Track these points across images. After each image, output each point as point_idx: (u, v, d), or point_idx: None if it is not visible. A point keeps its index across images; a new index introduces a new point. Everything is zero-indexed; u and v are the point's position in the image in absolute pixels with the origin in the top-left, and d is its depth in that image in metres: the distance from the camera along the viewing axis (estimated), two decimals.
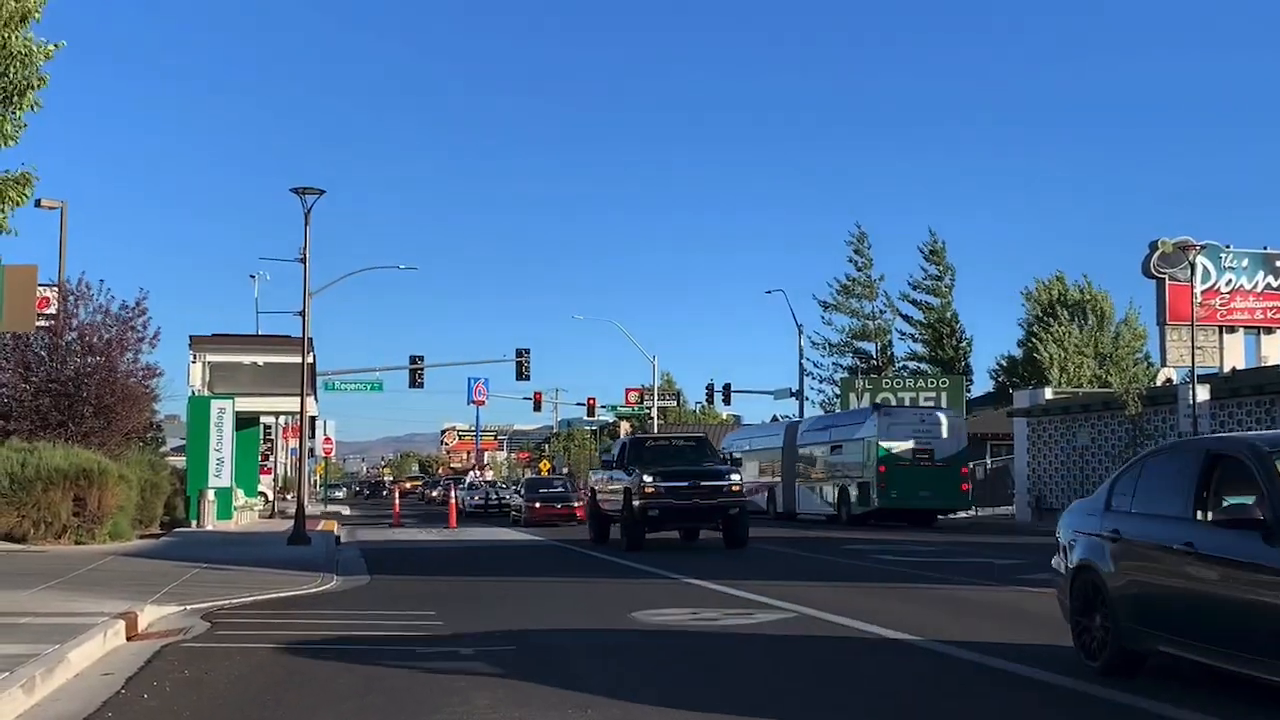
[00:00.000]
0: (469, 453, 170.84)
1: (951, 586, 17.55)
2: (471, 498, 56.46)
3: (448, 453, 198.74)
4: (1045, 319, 62.83)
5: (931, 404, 54.44)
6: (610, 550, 26.34)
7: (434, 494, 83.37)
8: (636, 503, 24.45)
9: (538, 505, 42.39)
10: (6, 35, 14.02)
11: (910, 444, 39.85)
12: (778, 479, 47.11)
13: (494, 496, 56.12)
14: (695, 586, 17.64)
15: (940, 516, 41.15)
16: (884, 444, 39.65)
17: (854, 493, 40.58)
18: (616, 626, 13.00)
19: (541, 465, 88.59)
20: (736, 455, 47.53)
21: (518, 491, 46.61)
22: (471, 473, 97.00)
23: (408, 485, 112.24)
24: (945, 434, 40.53)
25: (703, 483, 24.56)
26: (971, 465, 43.48)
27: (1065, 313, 62.82)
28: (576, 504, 40.33)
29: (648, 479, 24.51)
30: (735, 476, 25.54)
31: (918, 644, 11.37)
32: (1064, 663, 9.93)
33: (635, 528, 24.29)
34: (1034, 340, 62.38)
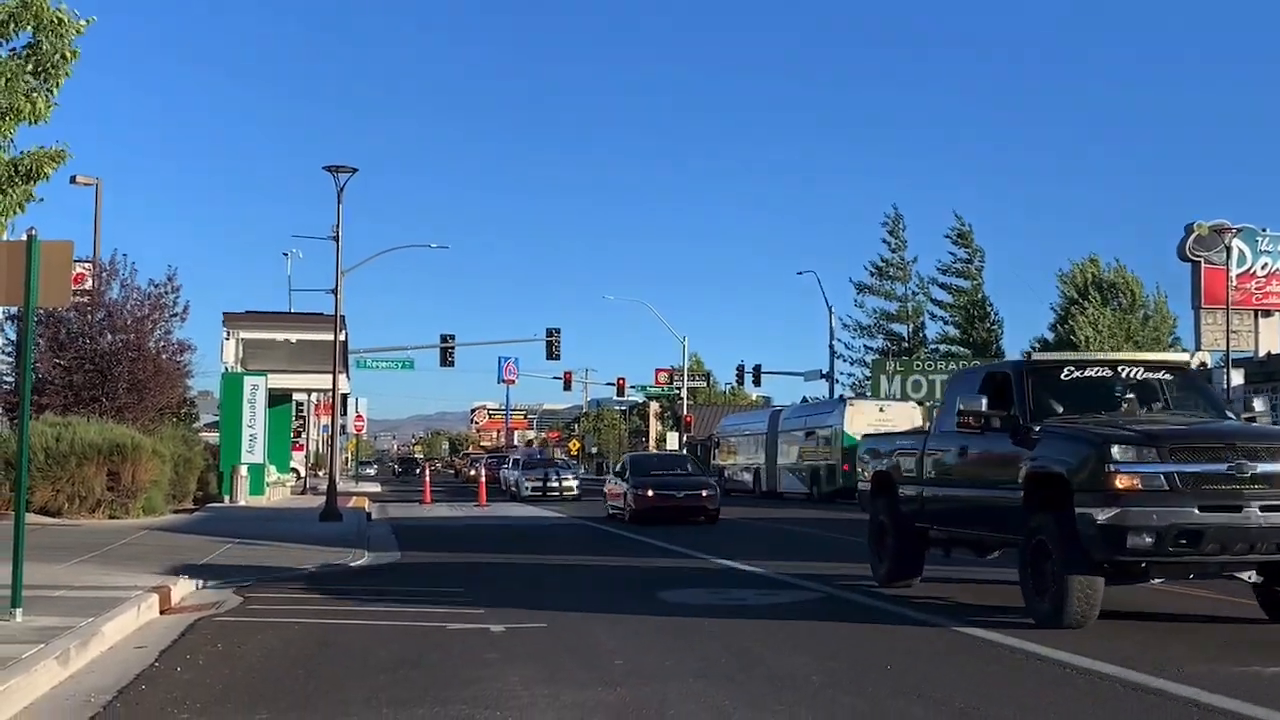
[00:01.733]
0: (499, 431, 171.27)
1: (988, 569, 17.44)
2: (526, 479, 45.80)
3: (477, 431, 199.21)
4: (1080, 301, 62.50)
5: None
6: (636, 529, 26.45)
7: (472, 472, 73.42)
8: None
9: (650, 494, 29.61)
10: (39, 1, 13.99)
11: (871, 432, 44.00)
12: (762, 460, 52.01)
13: (554, 478, 45.89)
14: (724, 567, 17.62)
15: None
16: (848, 431, 43.97)
17: (824, 474, 45.66)
18: (646, 606, 12.99)
19: (571, 445, 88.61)
20: (730, 437, 56.73)
21: (618, 473, 33.00)
22: (521, 447, 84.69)
23: (460, 461, 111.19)
24: (903, 424, 44.59)
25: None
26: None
27: (1099, 295, 62.48)
28: (706, 494, 29.59)
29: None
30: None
31: (956, 629, 11.30)
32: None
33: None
34: (1070, 322, 62.02)
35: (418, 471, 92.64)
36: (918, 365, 59.51)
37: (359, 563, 18.16)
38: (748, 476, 52.92)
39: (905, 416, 46.26)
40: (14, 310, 26.66)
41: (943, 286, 72.03)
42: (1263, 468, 9.99)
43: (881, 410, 46.85)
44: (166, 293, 33.16)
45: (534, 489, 44.96)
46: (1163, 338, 62.20)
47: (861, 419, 45.11)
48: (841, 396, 53.10)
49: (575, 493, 44.66)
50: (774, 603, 13.12)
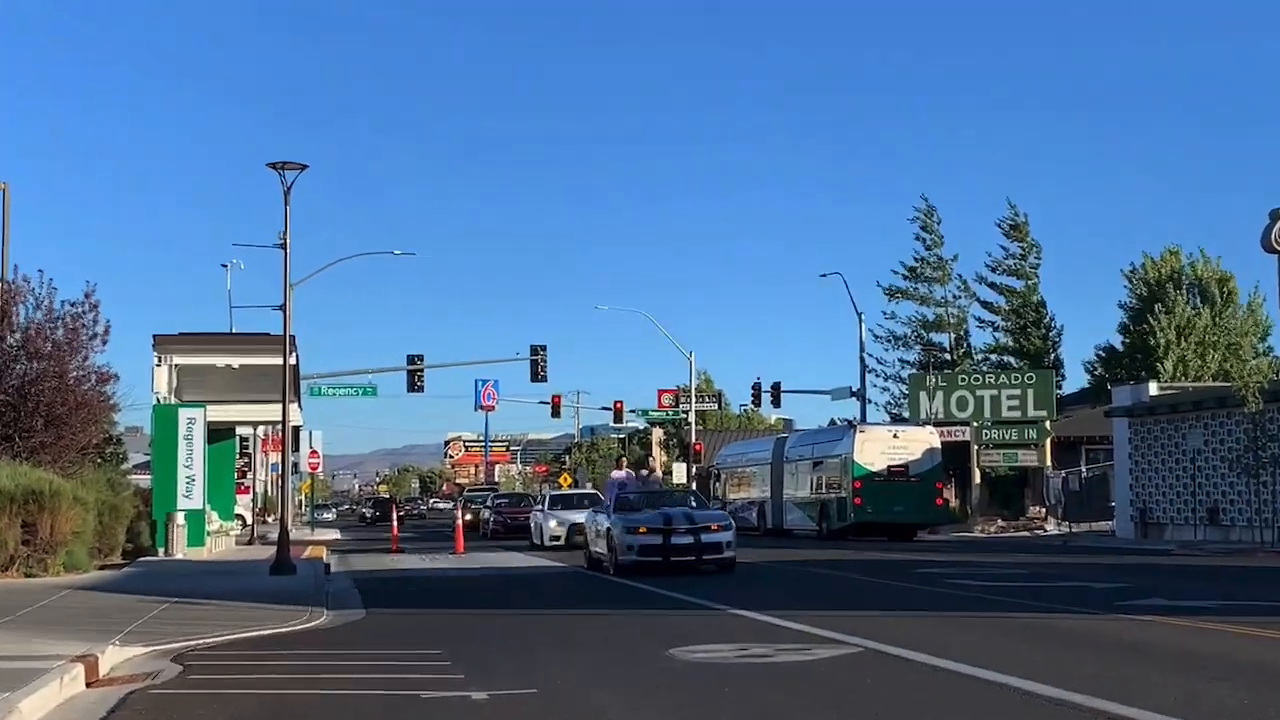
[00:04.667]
0: (477, 466, 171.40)
1: (1039, 614, 17.45)
2: (628, 531, 27.14)
3: (452, 466, 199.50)
4: (1154, 301, 61.90)
5: (1016, 402, 54.80)
6: (638, 577, 26.31)
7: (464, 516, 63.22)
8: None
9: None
10: None
11: (886, 461, 46.18)
12: (767, 494, 53.35)
13: (685, 528, 26.97)
14: (739, 618, 17.62)
15: (920, 530, 47.15)
16: (859, 461, 45.77)
17: (834, 508, 46.43)
18: (653, 666, 12.97)
19: (562, 479, 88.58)
20: (731, 469, 58.43)
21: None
22: (627, 475, 68.72)
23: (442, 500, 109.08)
24: (920, 451, 46.45)
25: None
26: (950, 478, 50.22)
27: (1179, 294, 62.01)
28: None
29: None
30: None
31: (1010, 685, 11.29)
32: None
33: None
34: (1144, 325, 61.46)
35: (400, 515, 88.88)
36: (963, 379, 59.35)
37: (317, 623, 18.09)
38: (751, 512, 53.96)
39: (922, 442, 47.02)
40: None
41: (991, 286, 71.54)
42: None
43: (895, 436, 47.71)
44: (84, 312, 33.12)
45: (646, 549, 26.86)
46: (1256, 343, 61.77)
47: (873, 446, 46.35)
48: (850, 421, 54.61)
49: (727, 555, 27.39)
50: (801, 660, 13.10)
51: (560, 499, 45.63)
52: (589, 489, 64.78)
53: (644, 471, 37.02)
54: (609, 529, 27.72)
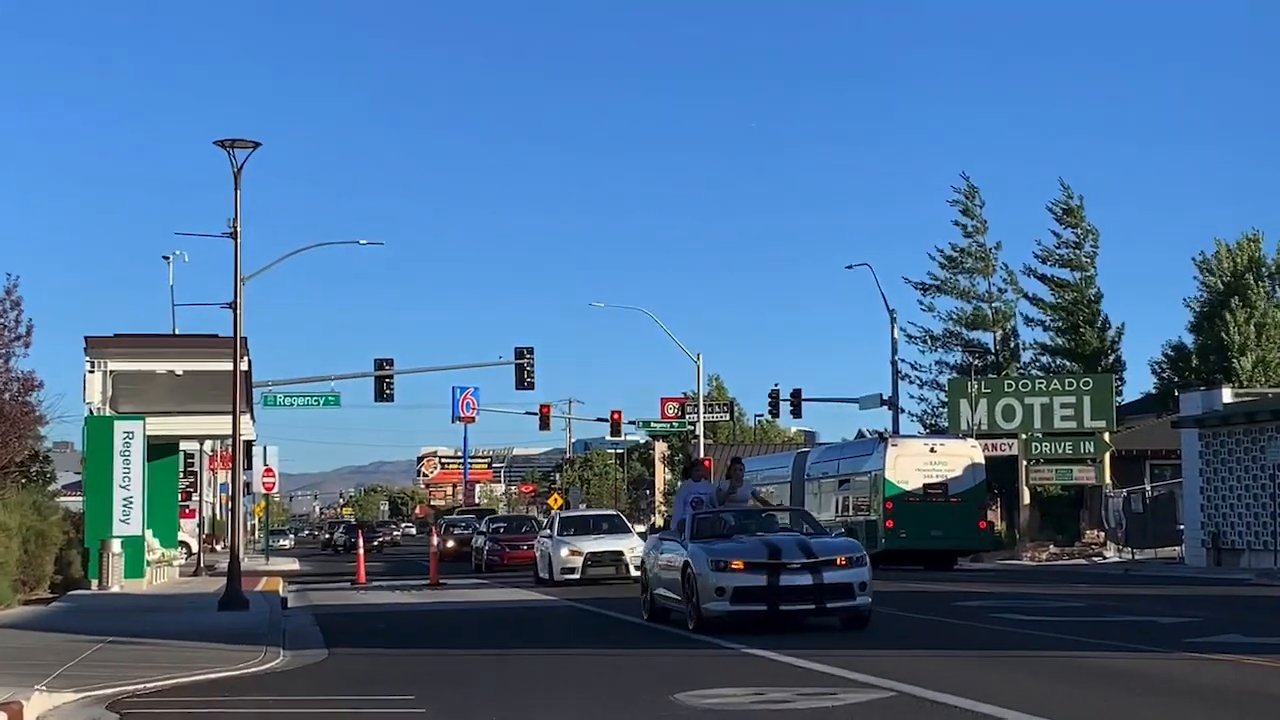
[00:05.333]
0: (454, 485, 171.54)
1: (1098, 654, 17.45)
2: (715, 568, 20.83)
3: (426, 486, 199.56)
4: (1231, 295, 61.79)
5: (1070, 411, 54.78)
6: (634, 611, 26.26)
7: (450, 544, 61.34)
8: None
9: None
10: None
11: (921, 479, 46.23)
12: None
13: (800, 561, 21.04)
14: (753, 657, 17.60)
15: (960, 557, 47.32)
16: (891, 478, 45.75)
17: (862, 532, 45.00)
18: (658, 715, 12.98)
19: (552, 500, 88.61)
20: None
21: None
22: (704, 485, 39.80)
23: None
24: (960, 467, 46.30)
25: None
26: (995, 499, 49.33)
27: (1260, 286, 61.88)
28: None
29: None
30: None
31: None
32: None
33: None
34: (1217, 323, 61.26)
35: (377, 543, 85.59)
36: (1009, 385, 59.31)
37: (273, 664, 18.08)
38: None
39: (963, 457, 47.06)
40: None
41: (1041, 279, 71.37)
42: None
43: (933, 450, 47.63)
44: (4, 310, 33.11)
45: (744, 594, 20.65)
46: None
47: (908, 462, 46.34)
48: (881, 434, 54.67)
49: (860, 602, 21.07)
50: (825, 707, 13.10)
51: (573, 522, 41.64)
52: (604, 509, 63.17)
53: (729, 482, 24.77)
54: (686, 564, 21.31)
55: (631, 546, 37.18)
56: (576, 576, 37.09)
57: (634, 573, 33.97)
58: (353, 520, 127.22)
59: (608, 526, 41.03)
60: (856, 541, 24.06)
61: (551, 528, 40.86)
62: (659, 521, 78.07)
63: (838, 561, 20.71)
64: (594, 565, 37.43)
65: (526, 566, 43.70)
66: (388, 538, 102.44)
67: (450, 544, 60.08)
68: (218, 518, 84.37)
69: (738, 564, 20.63)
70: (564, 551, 37.88)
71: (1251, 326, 59.90)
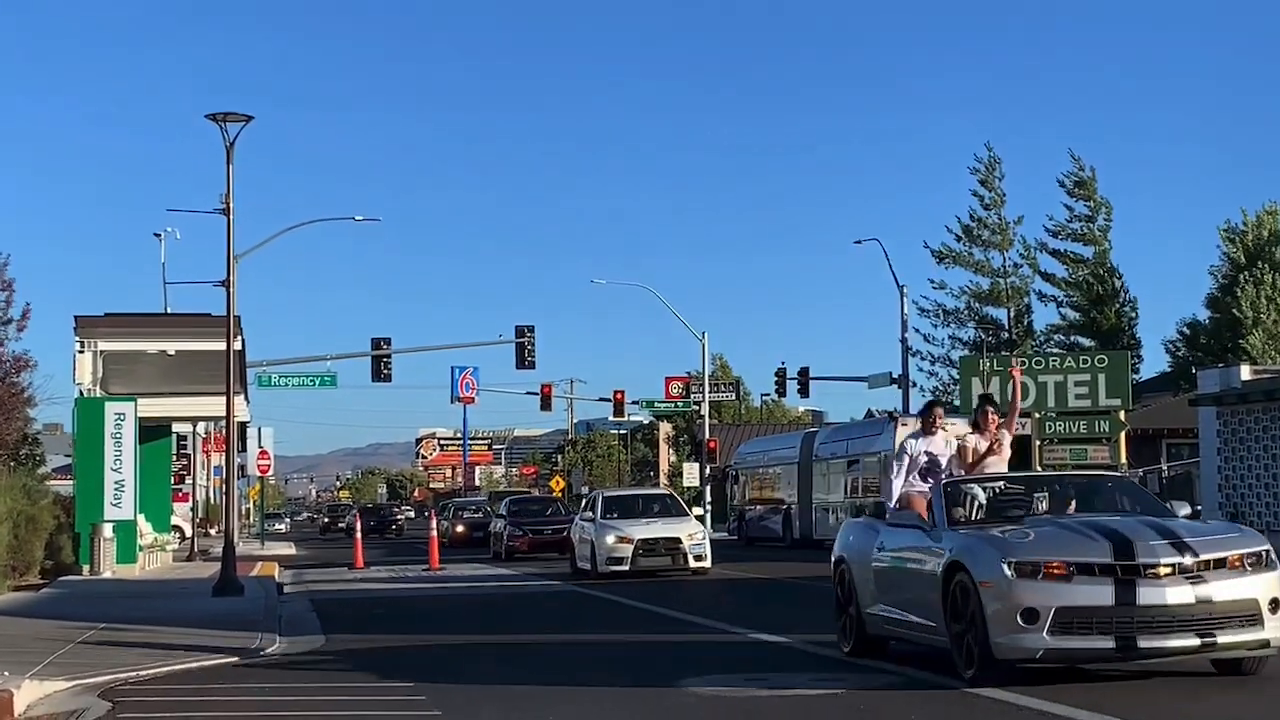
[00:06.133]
0: (454, 468, 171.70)
1: None
2: (1041, 588, 12.82)
3: (425, 469, 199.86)
4: (1250, 268, 61.59)
5: (1085, 390, 54.66)
6: (641, 596, 26.35)
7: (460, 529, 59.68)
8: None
9: None
10: None
11: None
12: (794, 499, 53.05)
13: None
14: (760, 643, 17.66)
15: None
16: None
17: (870, 515, 44.33)
18: (665, 702, 12.97)
19: (553, 483, 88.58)
20: (750, 470, 58.79)
21: None
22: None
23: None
24: None
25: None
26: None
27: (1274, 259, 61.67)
28: None
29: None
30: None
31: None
32: None
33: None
34: (1231, 297, 61.18)
35: (394, 528, 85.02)
36: (1022, 363, 59.31)
37: (269, 651, 18.09)
38: (774, 520, 54.32)
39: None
40: None
41: (1054, 254, 71.20)
42: None
43: (944, 430, 47.08)
44: None
45: (1072, 620, 12.64)
46: None
47: (921, 441, 45.77)
48: (891, 413, 54.32)
49: (1269, 633, 13.04)
50: (835, 692, 13.06)
51: (619, 503, 36.70)
52: (652, 489, 60.05)
53: (974, 435, 18.10)
54: (953, 566, 13.72)
55: (690, 533, 33.91)
56: (626, 568, 32.75)
57: (693, 564, 32.91)
58: (353, 503, 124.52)
59: (660, 508, 36.04)
60: (1247, 528, 15.22)
61: (593, 509, 35.64)
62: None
63: (1230, 561, 12.86)
64: (646, 555, 33.11)
65: (551, 553, 41.88)
66: (392, 519, 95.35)
67: (460, 528, 59.10)
68: (212, 501, 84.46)
69: (1057, 565, 12.78)
70: (610, 538, 33.30)
71: (1263, 300, 59.85)
